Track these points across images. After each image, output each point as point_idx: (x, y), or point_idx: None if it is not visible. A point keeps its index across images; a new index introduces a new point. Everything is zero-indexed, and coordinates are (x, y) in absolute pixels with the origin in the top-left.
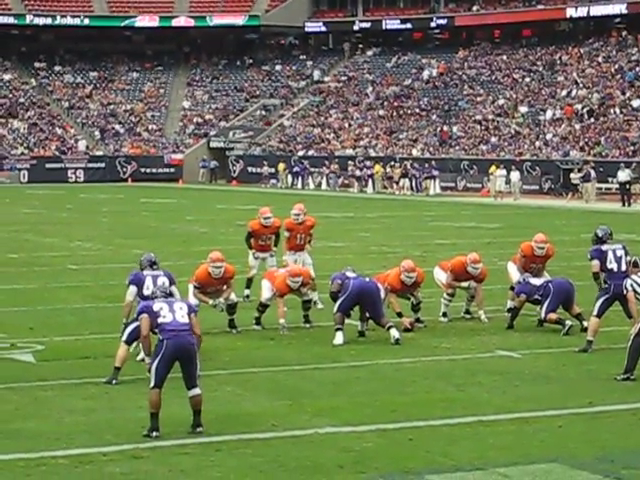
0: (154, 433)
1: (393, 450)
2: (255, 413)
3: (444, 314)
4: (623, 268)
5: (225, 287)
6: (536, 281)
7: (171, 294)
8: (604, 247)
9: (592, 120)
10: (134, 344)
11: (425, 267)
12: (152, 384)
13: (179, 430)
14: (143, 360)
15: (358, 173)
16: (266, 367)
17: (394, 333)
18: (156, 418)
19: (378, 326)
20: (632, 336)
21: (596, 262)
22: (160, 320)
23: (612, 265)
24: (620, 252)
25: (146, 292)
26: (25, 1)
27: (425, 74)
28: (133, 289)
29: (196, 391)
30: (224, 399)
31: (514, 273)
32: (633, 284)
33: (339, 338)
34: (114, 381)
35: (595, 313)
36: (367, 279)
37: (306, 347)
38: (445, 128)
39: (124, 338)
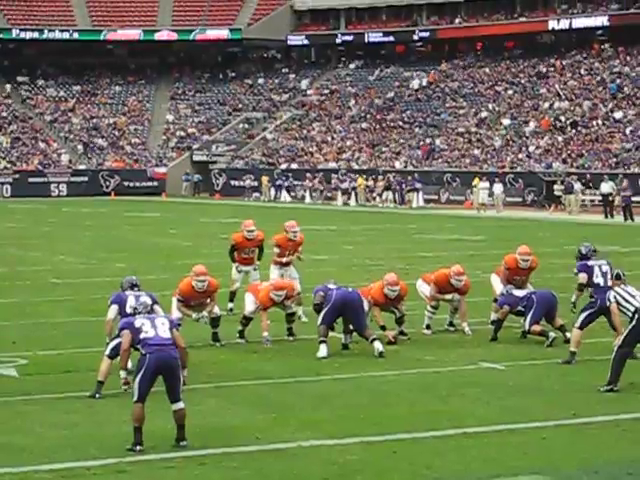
0: (138, 447)
1: (377, 463)
2: (239, 426)
3: (427, 326)
4: (609, 283)
5: (209, 300)
6: (519, 293)
7: (152, 310)
8: (590, 262)
9: (574, 132)
10: (117, 358)
11: (408, 280)
12: (135, 398)
13: (163, 444)
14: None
15: (345, 185)
16: (250, 380)
17: (378, 346)
18: (140, 432)
19: (362, 338)
20: (616, 347)
21: (583, 275)
22: (143, 335)
23: (598, 280)
24: (605, 268)
25: (129, 311)
26: (7, 15)
27: (415, 83)
28: (114, 307)
29: (180, 405)
30: (208, 412)
31: (497, 285)
32: (616, 296)
33: (323, 351)
34: (97, 395)
35: (577, 325)
36: (350, 289)
37: (290, 360)
38: (427, 141)
39: (107, 352)
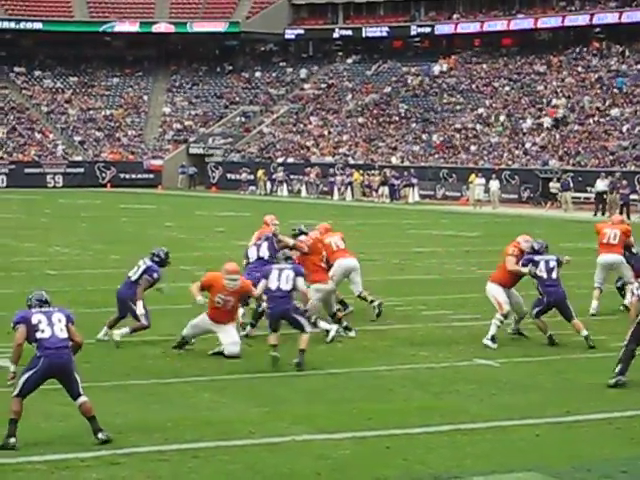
0: (11, 440)
1: (370, 458)
2: (232, 420)
3: (492, 338)
4: (554, 276)
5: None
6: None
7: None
8: (537, 257)
9: (570, 129)
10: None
11: (403, 275)
12: (16, 392)
13: (156, 436)
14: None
15: (346, 180)
16: (244, 374)
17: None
18: (14, 425)
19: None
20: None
21: (529, 267)
22: (39, 335)
23: (542, 274)
24: (553, 264)
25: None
26: (5, 5)
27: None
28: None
29: (83, 399)
30: (201, 406)
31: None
32: None
33: (328, 326)
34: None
35: (534, 315)
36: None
37: (284, 354)
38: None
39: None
